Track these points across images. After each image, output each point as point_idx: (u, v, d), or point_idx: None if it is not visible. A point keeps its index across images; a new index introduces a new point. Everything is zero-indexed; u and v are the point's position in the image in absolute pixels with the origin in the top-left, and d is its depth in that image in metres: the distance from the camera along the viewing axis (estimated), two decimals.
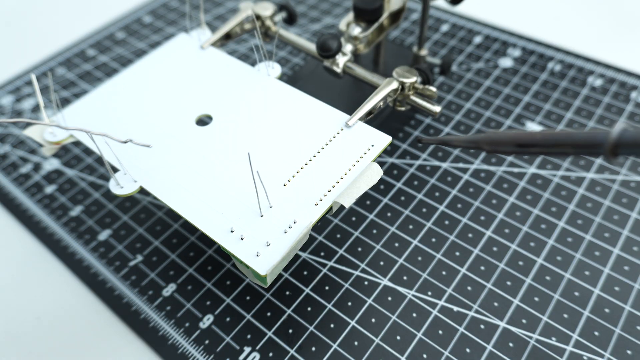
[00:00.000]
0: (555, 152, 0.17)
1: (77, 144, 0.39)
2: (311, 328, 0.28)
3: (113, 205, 0.34)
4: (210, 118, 0.28)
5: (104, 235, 0.33)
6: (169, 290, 0.30)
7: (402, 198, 0.33)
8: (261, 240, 0.22)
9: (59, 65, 0.46)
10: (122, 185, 0.25)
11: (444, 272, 0.30)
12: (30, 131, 0.28)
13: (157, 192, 0.25)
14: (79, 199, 0.35)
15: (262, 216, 0.23)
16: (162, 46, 0.33)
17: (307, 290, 0.29)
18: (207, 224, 0.23)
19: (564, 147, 0.17)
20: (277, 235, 0.22)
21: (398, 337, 0.27)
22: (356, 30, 0.33)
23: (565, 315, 0.28)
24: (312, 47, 0.34)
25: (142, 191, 0.26)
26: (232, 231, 0.23)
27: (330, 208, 0.23)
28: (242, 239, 0.22)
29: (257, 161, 0.25)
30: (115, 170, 0.26)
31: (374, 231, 0.32)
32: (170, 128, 0.28)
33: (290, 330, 0.28)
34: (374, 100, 0.28)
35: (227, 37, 0.34)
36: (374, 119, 0.34)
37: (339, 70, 0.32)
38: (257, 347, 0.27)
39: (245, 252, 0.22)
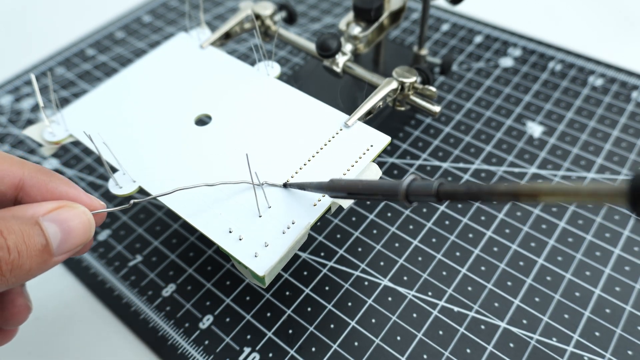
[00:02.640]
0: (373, 198, 0.21)
1: (77, 143, 0.39)
2: (311, 328, 0.28)
3: (112, 205, 0.34)
4: (209, 118, 0.28)
5: (103, 235, 0.33)
6: (168, 290, 0.30)
7: None
8: (259, 240, 0.22)
9: (59, 64, 0.46)
10: (121, 186, 0.25)
11: (444, 273, 0.30)
12: (29, 131, 0.28)
13: (155, 192, 0.25)
14: None
15: (260, 217, 0.23)
16: (162, 46, 0.33)
17: (307, 290, 0.29)
18: (205, 224, 0.23)
19: (376, 195, 0.20)
20: (276, 236, 0.22)
21: (398, 338, 0.27)
22: (356, 30, 0.32)
23: (566, 316, 0.27)
24: (311, 46, 0.34)
25: (142, 191, 0.25)
26: (230, 231, 0.23)
27: (329, 208, 0.23)
28: (240, 239, 0.22)
29: (256, 161, 0.25)
30: (114, 170, 0.26)
31: (374, 231, 0.32)
32: (169, 128, 0.28)
33: (290, 331, 0.28)
34: (373, 100, 0.28)
35: (227, 36, 0.34)
36: (374, 119, 0.34)
37: (338, 69, 0.32)
38: (257, 348, 0.27)
39: (244, 253, 0.22)
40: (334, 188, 0.22)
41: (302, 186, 0.23)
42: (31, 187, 0.20)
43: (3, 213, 0.18)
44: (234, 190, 0.24)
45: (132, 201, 0.22)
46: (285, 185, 0.24)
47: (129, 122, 0.28)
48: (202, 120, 0.28)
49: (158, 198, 0.24)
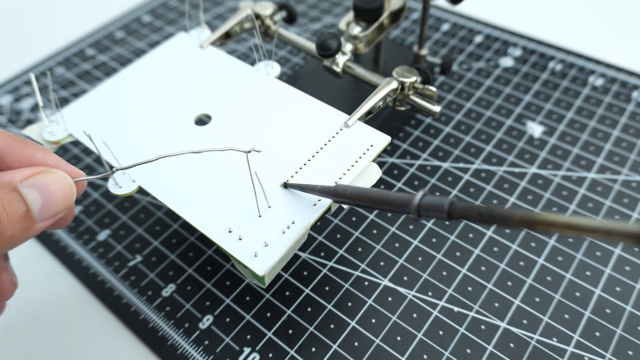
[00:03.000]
0: (383, 209, 0.20)
1: (76, 143, 0.39)
2: (311, 328, 0.28)
3: (112, 206, 0.34)
4: (209, 117, 0.28)
5: (103, 235, 0.33)
6: (168, 290, 0.30)
7: None
8: (259, 240, 0.22)
9: (58, 64, 0.46)
10: (120, 185, 0.25)
11: (444, 273, 0.30)
12: (29, 130, 0.28)
13: (155, 192, 0.25)
14: (78, 199, 0.35)
15: (260, 216, 0.23)
16: (162, 45, 0.33)
17: (307, 290, 0.29)
18: (205, 223, 0.23)
19: (385, 207, 0.20)
20: (276, 236, 0.22)
21: (398, 338, 0.27)
22: (356, 30, 0.32)
23: (566, 316, 0.27)
24: (311, 46, 0.34)
25: (141, 191, 0.25)
26: (230, 231, 0.23)
27: (329, 208, 0.23)
28: (240, 239, 0.22)
29: (255, 161, 0.25)
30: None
31: (374, 231, 0.32)
32: (169, 127, 0.28)
33: (290, 331, 0.28)
34: (373, 100, 0.28)
35: (227, 36, 0.34)
36: (374, 119, 0.34)
37: (338, 69, 0.32)
38: (257, 348, 0.27)
39: (243, 253, 0.22)
40: (340, 195, 0.22)
41: (303, 188, 0.23)
42: (7, 155, 0.20)
43: None
44: (234, 190, 0.24)
45: (114, 168, 0.21)
46: (285, 186, 0.24)
47: (128, 121, 0.28)
48: (202, 120, 0.28)
49: (157, 198, 0.24)
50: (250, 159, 0.25)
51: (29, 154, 0.20)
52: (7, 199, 0.17)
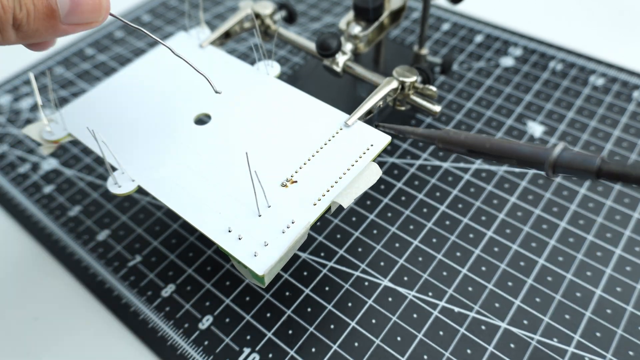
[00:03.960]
0: (502, 161, 0.18)
1: (76, 143, 0.39)
2: (311, 329, 0.28)
3: (112, 205, 0.34)
4: (208, 117, 0.28)
5: (102, 235, 0.33)
6: (168, 290, 0.30)
7: (403, 198, 0.33)
8: (259, 240, 0.22)
9: (58, 64, 0.46)
10: (120, 185, 0.25)
11: (444, 273, 0.29)
12: (28, 130, 0.28)
13: (154, 192, 0.25)
14: (78, 199, 0.35)
15: (260, 216, 0.23)
16: (161, 45, 0.33)
17: (307, 290, 0.29)
18: (204, 223, 0.23)
19: (509, 159, 0.18)
20: (275, 235, 0.22)
21: (399, 338, 0.27)
22: (356, 29, 0.32)
23: (567, 316, 0.27)
24: (311, 46, 0.34)
25: (141, 191, 0.25)
26: (229, 231, 0.23)
27: (329, 208, 0.23)
28: (239, 238, 0.22)
29: (255, 160, 0.25)
30: (114, 169, 0.26)
31: (375, 231, 0.32)
32: (168, 127, 0.28)
33: (290, 331, 0.28)
34: (373, 100, 0.28)
35: (227, 35, 0.34)
36: (374, 119, 0.34)
37: (338, 69, 0.32)
38: (257, 348, 0.27)
39: (243, 252, 0.22)
40: (449, 141, 0.19)
41: (401, 130, 0.21)
42: None
43: None
44: (233, 189, 0.24)
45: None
46: (377, 126, 0.22)
47: (128, 121, 0.28)
48: (202, 120, 0.28)
49: (156, 197, 0.24)
50: (250, 158, 0.25)
51: None
52: None
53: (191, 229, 0.33)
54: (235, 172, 0.25)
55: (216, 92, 0.24)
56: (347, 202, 0.23)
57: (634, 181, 0.15)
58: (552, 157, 0.16)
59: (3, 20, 0.18)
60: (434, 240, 0.31)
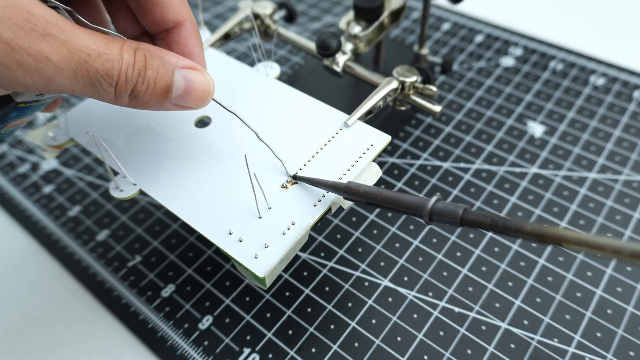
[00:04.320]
0: (393, 210, 0.21)
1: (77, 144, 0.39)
2: (311, 329, 0.28)
3: (111, 206, 0.34)
4: (209, 119, 0.28)
5: (102, 235, 0.33)
6: (167, 291, 0.30)
7: None
8: (259, 242, 0.22)
9: None
10: (121, 189, 0.25)
11: (445, 273, 0.29)
12: (31, 136, 0.28)
13: (156, 195, 0.24)
14: (78, 199, 0.35)
15: (260, 218, 0.23)
16: None
17: (307, 291, 0.29)
18: (205, 226, 0.23)
19: (397, 208, 0.20)
20: (276, 237, 0.22)
21: (399, 339, 0.27)
22: (356, 29, 0.32)
23: (567, 317, 0.27)
24: (311, 46, 0.34)
25: (141, 192, 0.25)
26: (230, 233, 0.23)
27: (329, 209, 0.23)
28: (240, 241, 0.22)
29: (255, 162, 0.25)
30: (115, 173, 0.25)
31: (375, 231, 0.32)
32: (169, 130, 0.27)
33: (290, 332, 0.28)
34: (373, 100, 0.28)
35: (226, 37, 0.34)
36: (374, 119, 0.34)
37: (338, 69, 0.32)
38: (257, 349, 0.27)
39: (244, 254, 0.22)
40: (351, 192, 0.22)
41: (313, 182, 0.23)
42: (180, 32, 0.23)
43: (154, 50, 0.21)
44: (234, 192, 0.24)
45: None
46: (294, 177, 0.24)
47: (129, 125, 0.28)
48: (202, 122, 0.28)
49: (157, 201, 0.24)
50: (250, 159, 0.25)
51: (192, 44, 0.23)
52: (162, 74, 0.21)
53: (191, 229, 0.33)
54: (235, 174, 0.25)
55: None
56: (347, 203, 0.23)
57: (488, 228, 0.17)
58: (427, 207, 0.19)
59: (122, 90, 0.20)
60: (434, 240, 0.31)
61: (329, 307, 0.28)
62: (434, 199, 0.19)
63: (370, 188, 0.21)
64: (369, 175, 0.24)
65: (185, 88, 0.21)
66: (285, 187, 0.24)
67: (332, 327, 0.28)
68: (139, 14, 0.23)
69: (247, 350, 0.27)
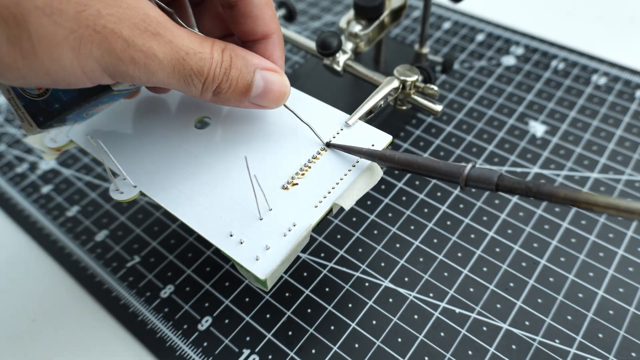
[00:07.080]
0: (427, 176, 0.22)
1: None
2: (311, 330, 0.28)
3: (110, 206, 0.34)
4: (209, 119, 0.28)
5: (101, 235, 0.33)
6: (166, 291, 0.30)
7: (404, 198, 0.33)
8: (260, 243, 0.22)
9: None
10: (121, 191, 0.25)
11: (445, 274, 0.29)
12: (30, 139, 0.28)
13: (156, 197, 0.24)
14: (76, 199, 0.35)
15: (261, 219, 0.23)
16: None
17: (307, 291, 0.29)
18: (206, 227, 0.23)
19: (434, 173, 0.21)
20: (277, 239, 0.22)
21: (399, 339, 0.27)
22: (357, 28, 0.32)
23: (569, 317, 0.27)
24: (312, 45, 0.33)
25: (140, 193, 0.25)
26: (231, 235, 0.22)
27: (330, 210, 0.23)
28: (241, 242, 0.22)
29: (255, 163, 0.25)
30: (114, 175, 0.25)
31: (375, 232, 0.31)
32: (169, 131, 0.27)
33: (290, 332, 0.28)
34: (374, 99, 0.27)
35: None
36: (375, 118, 0.34)
37: (339, 68, 0.32)
38: (257, 350, 0.27)
39: (245, 256, 0.22)
40: (386, 159, 0.22)
41: (348, 149, 0.24)
42: (267, 44, 0.24)
43: (239, 51, 0.22)
44: (234, 193, 0.24)
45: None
46: (328, 145, 0.25)
47: (128, 126, 0.28)
48: (202, 123, 0.28)
49: (158, 202, 0.24)
50: (251, 160, 0.25)
51: (271, 48, 0.24)
52: (244, 74, 0.22)
53: (190, 230, 0.32)
54: (235, 176, 0.25)
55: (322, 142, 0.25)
56: (348, 204, 0.23)
57: (523, 193, 0.18)
58: (464, 173, 0.20)
59: (209, 86, 0.21)
60: (435, 240, 0.31)
61: (329, 307, 0.28)
62: (469, 165, 0.20)
63: (406, 155, 0.22)
64: (370, 176, 0.24)
65: (264, 88, 0.23)
66: (286, 188, 0.24)
67: (332, 328, 0.28)
68: (232, 24, 0.24)
69: (246, 351, 0.27)
